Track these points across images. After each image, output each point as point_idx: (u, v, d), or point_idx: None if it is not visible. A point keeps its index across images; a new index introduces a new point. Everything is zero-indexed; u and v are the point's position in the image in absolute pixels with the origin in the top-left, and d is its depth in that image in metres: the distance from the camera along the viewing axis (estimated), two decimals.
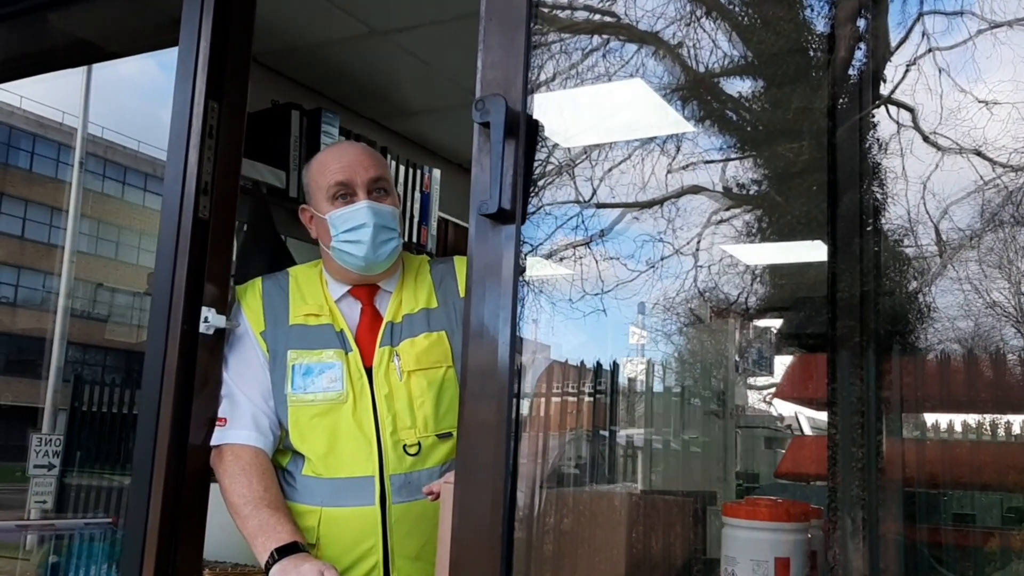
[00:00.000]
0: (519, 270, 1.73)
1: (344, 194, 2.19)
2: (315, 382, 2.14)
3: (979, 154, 2.05)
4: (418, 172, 4.30)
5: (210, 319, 2.10)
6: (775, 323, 4.02)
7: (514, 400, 1.67)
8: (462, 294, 2.06)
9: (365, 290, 2.26)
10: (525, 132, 1.75)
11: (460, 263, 2.29)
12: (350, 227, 2.17)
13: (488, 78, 1.79)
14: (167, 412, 2.04)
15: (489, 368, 1.69)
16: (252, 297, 2.26)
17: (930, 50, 2.00)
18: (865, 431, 1.41)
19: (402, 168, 4.20)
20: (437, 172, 4.42)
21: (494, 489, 1.62)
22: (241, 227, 3.43)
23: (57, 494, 5.41)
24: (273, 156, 3.57)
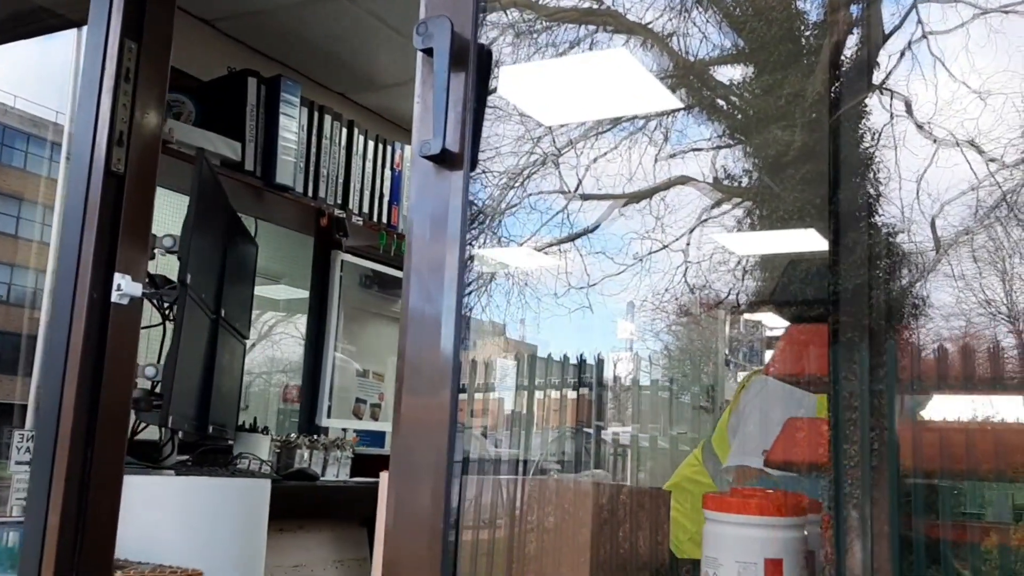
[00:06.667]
0: (467, 225, 1.48)
1: None
2: None
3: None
4: (389, 148, 4.05)
5: (124, 287, 1.84)
6: (765, 317, 3.83)
7: (458, 388, 1.42)
8: None
9: None
10: (476, 62, 1.50)
11: None
12: None
13: None
14: (71, 393, 1.78)
15: (429, 347, 1.43)
16: None
17: None
18: (875, 413, 1.17)
19: (371, 144, 3.95)
20: (409, 149, 4.17)
21: (434, 491, 1.37)
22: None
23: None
24: (228, 126, 3.31)
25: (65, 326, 1.81)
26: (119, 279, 1.85)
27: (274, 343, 5.73)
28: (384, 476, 1.61)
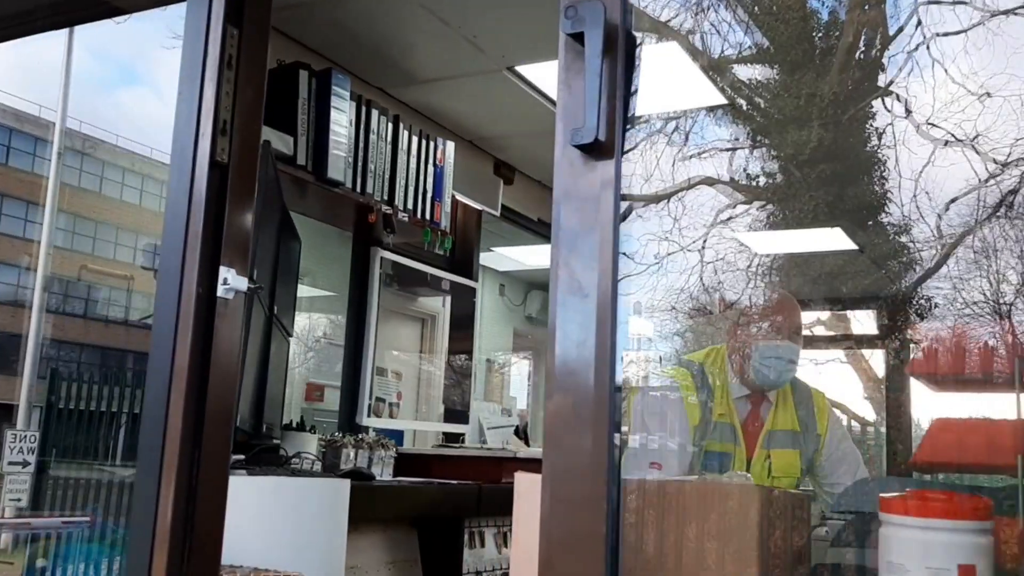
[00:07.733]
0: (620, 216, 1.42)
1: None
2: (715, 466, 2.62)
3: None
4: (431, 144, 3.98)
5: (230, 281, 1.78)
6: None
7: (616, 386, 1.36)
8: (819, 429, 2.71)
9: (758, 398, 2.69)
10: (624, 48, 1.44)
11: (818, 396, 2.77)
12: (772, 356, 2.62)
13: None
14: (179, 392, 1.71)
15: (583, 345, 1.38)
16: (690, 388, 2.68)
17: None
18: None
19: (415, 139, 3.88)
20: (451, 145, 4.11)
21: (593, 493, 1.31)
22: None
23: (32, 492, 5.16)
24: (280, 120, 3.24)
25: (171, 323, 1.73)
26: (224, 273, 1.78)
27: (293, 341, 5.65)
28: (520, 477, 1.55)
